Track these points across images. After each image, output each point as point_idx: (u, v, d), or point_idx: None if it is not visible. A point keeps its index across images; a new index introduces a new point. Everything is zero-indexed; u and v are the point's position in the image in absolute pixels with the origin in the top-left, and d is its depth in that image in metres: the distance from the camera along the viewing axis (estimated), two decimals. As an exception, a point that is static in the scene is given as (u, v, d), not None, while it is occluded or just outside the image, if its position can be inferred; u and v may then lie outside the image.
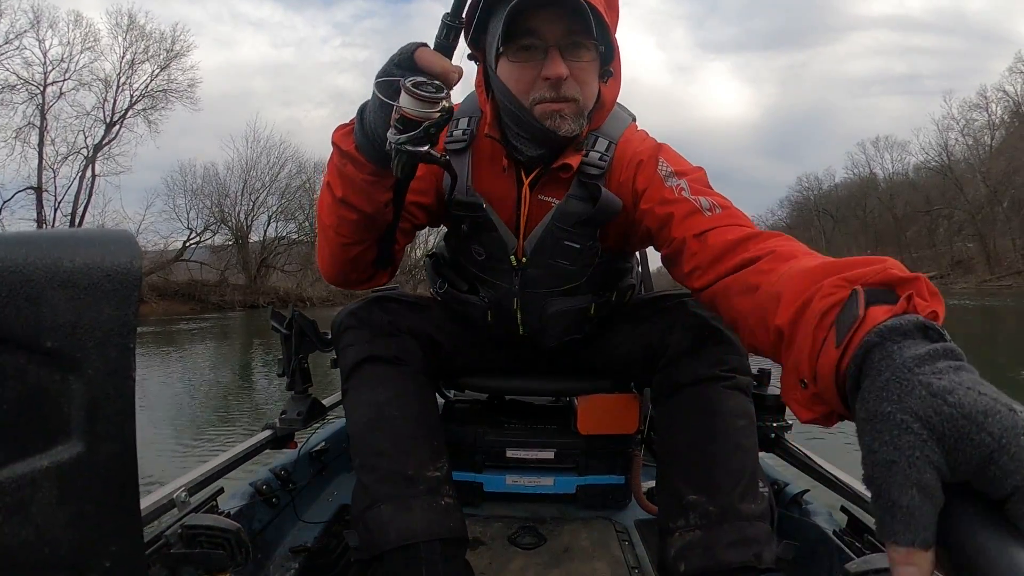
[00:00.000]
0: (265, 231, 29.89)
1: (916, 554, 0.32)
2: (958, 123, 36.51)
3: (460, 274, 0.96)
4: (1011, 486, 0.31)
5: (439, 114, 0.53)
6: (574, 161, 0.80)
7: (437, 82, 0.54)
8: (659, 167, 0.78)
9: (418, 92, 0.52)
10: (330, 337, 0.98)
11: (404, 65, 0.56)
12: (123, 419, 0.45)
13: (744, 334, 0.62)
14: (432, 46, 0.58)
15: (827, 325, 0.42)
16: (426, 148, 0.54)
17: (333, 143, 0.68)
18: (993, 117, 35.76)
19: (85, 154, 23.46)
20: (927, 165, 38.53)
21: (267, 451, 1.14)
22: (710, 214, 0.70)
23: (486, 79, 0.82)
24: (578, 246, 0.84)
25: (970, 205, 34.16)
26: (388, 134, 0.54)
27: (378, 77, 0.58)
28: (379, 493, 0.79)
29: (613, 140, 0.83)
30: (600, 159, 0.81)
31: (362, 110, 0.64)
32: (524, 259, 0.86)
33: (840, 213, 46.84)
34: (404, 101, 0.53)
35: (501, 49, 0.74)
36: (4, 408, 0.39)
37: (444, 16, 0.58)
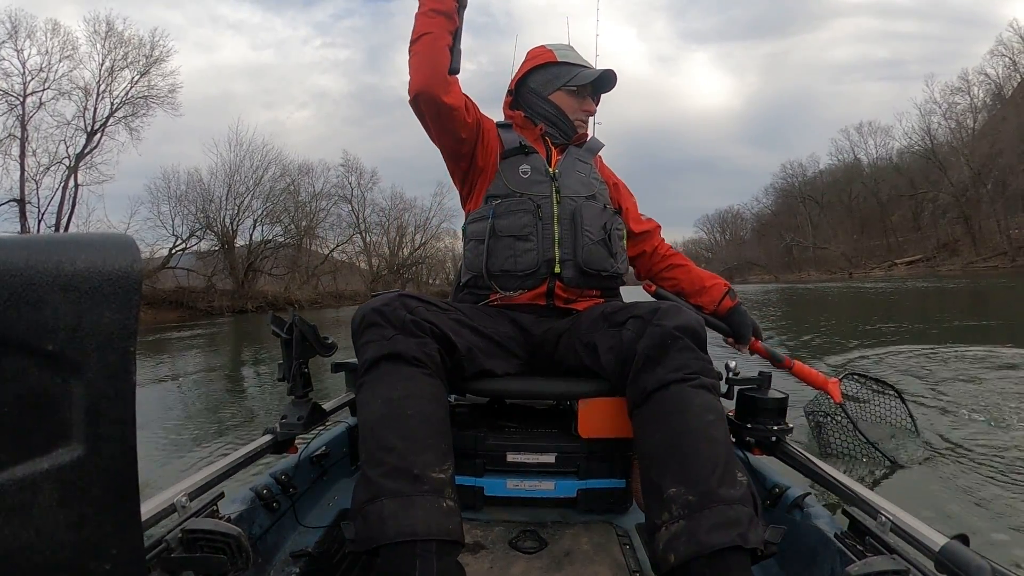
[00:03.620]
0: (251, 235, 29.40)
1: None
2: (940, 107, 36.42)
3: (510, 196, 1.28)
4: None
5: None
6: (582, 138, 1.43)
7: None
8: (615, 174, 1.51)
9: None
10: (351, 331, 0.99)
11: None
12: (123, 422, 0.45)
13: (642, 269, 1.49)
14: None
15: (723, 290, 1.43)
16: None
17: None
18: (975, 100, 35.65)
19: (67, 164, 22.51)
20: (911, 149, 38.34)
21: (268, 456, 1.14)
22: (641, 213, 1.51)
23: (514, 101, 1.43)
24: (585, 163, 1.36)
25: (954, 188, 33.80)
26: None
27: None
28: (383, 487, 0.80)
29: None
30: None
31: None
32: (556, 171, 1.30)
33: (825, 199, 46.59)
34: None
35: (570, 88, 1.37)
36: (5, 410, 0.39)
37: None
